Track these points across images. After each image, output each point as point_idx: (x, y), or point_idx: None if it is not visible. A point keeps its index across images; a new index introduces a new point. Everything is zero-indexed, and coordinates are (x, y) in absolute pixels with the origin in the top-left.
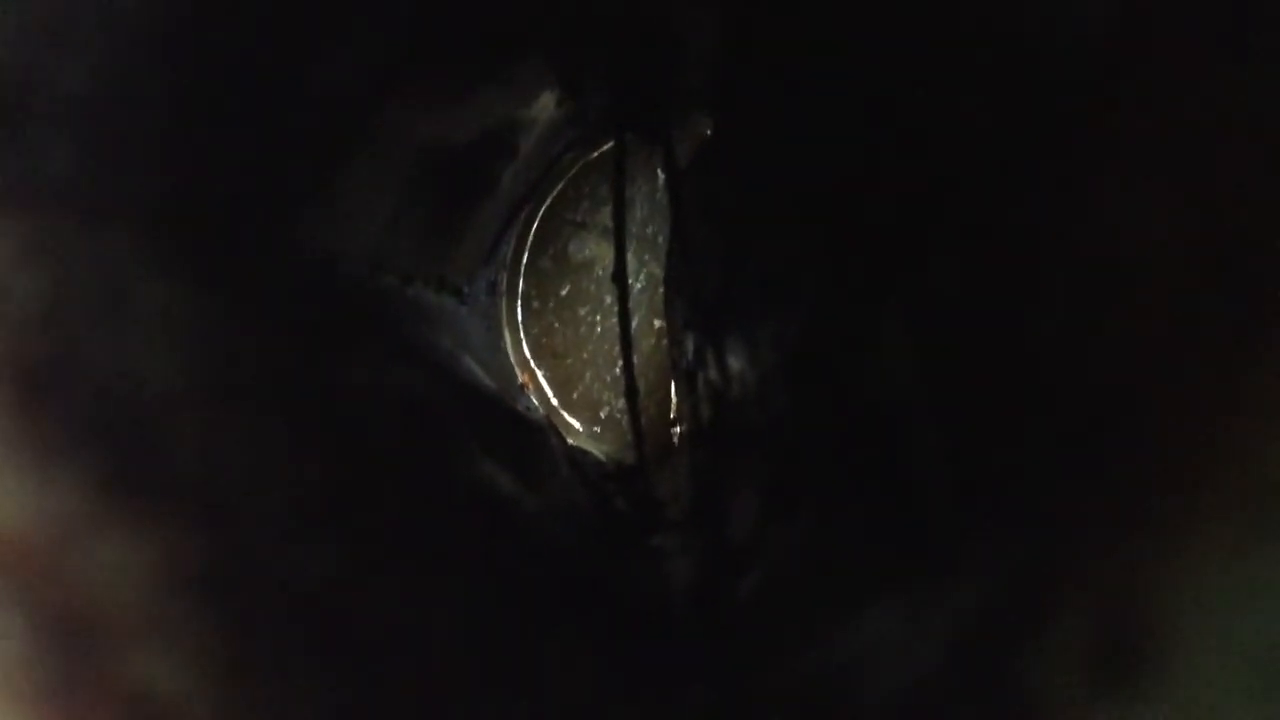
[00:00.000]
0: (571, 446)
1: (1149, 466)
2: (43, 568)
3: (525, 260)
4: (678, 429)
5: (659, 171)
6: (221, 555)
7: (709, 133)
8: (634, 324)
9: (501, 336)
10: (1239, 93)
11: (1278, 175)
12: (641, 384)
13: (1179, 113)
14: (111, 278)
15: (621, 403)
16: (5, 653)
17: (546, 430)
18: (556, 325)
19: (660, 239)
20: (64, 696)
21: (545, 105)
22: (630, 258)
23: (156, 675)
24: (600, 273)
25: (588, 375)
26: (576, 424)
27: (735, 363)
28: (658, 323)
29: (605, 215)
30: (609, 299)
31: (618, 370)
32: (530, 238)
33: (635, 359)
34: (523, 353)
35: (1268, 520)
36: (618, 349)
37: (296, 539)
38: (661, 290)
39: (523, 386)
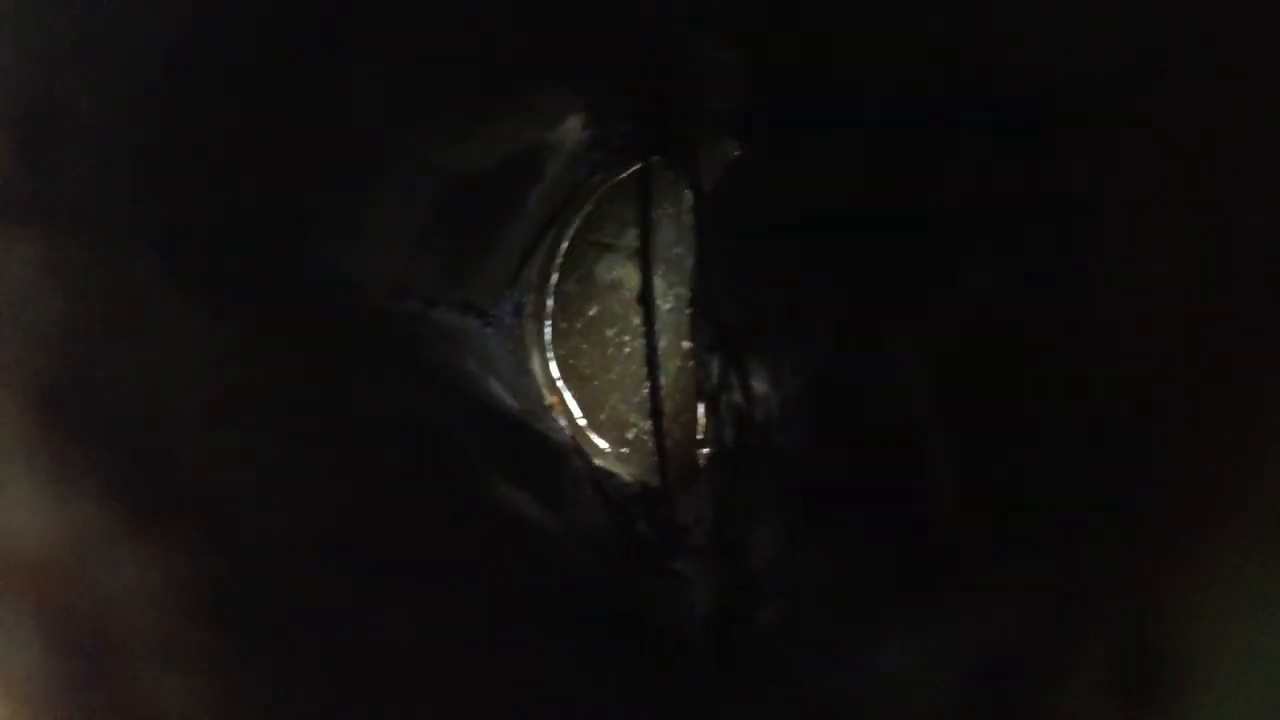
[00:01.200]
0: (596, 468)
1: (1164, 490)
2: (57, 585)
3: (553, 282)
4: (703, 451)
5: (685, 194)
6: (233, 575)
7: (735, 155)
8: (661, 346)
9: (528, 358)
10: (1245, 119)
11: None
12: (668, 406)
13: (1188, 138)
14: (129, 297)
15: (648, 424)
16: (20, 667)
17: (571, 452)
18: (584, 347)
19: (687, 261)
20: (75, 712)
21: (571, 129)
22: (658, 280)
23: (167, 693)
24: (628, 294)
25: (614, 397)
26: (603, 445)
27: (759, 386)
28: (686, 345)
29: (632, 237)
30: (636, 320)
31: (644, 392)
32: (557, 260)
33: (662, 381)
34: (550, 374)
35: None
36: (644, 370)
37: (309, 561)
38: (689, 312)
39: (550, 408)
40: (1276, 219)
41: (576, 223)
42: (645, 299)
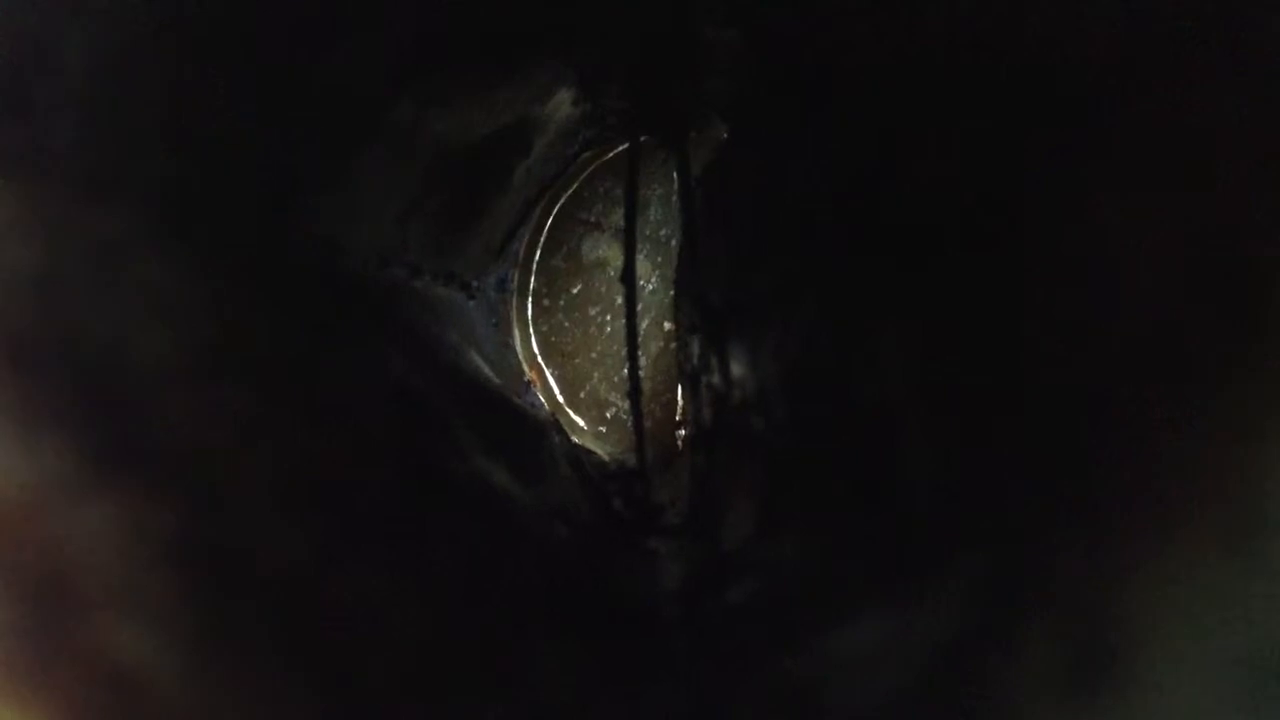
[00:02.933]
0: (574, 445)
1: (1123, 478)
2: (19, 532)
3: (537, 258)
4: (682, 433)
5: (674, 175)
6: (199, 529)
7: (724, 138)
8: (643, 326)
9: (510, 333)
10: (1235, 107)
11: (1271, 190)
12: (648, 386)
13: (1175, 127)
14: (107, 251)
15: (627, 404)
16: None
17: (549, 428)
18: (566, 324)
19: (673, 242)
20: (32, 659)
21: (561, 104)
22: (643, 260)
23: (126, 643)
24: (612, 273)
25: (595, 375)
26: (582, 423)
27: (738, 368)
28: (668, 325)
29: (619, 216)
30: (619, 300)
31: (625, 371)
32: (543, 236)
33: (643, 361)
34: (531, 350)
35: (1238, 530)
36: (625, 350)
37: (277, 518)
38: (672, 294)
39: (529, 383)
40: (1257, 221)
41: (563, 199)
42: (628, 278)
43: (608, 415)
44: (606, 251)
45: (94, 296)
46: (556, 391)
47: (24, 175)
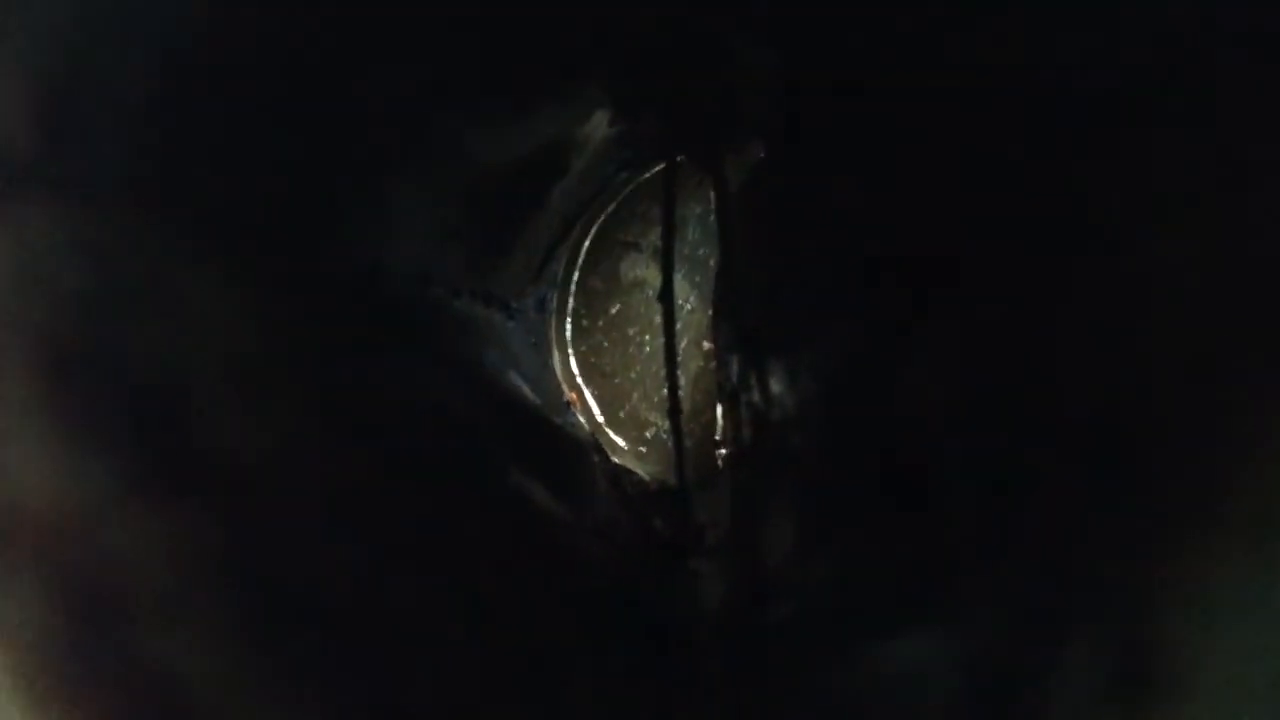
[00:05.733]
0: (614, 465)
1: (1162, 496)
2: (66, 543)
3: (576, 278)
4: (722, 452)
5: (711, 195)
6: (243, 544)
7: (760, 157)
8: (682, 345)
9: (549, 353)
10: (1256, 122)
11: None
12: (688, 405)
13: (1207, 149)
14: (154, 271)
15: (667, 423)
16: (25, 623)
17: (589, 448)
18: (605, 344)
19: (711, 262)
20: (78, 668)
21: (599, 124)
22: (681, 279)
23: (171, 653)
24: (651, 293)
25: (635, 395)
26: (622, 443)
27: (777, 386)
28: (707, 345)
29: (656, 236)
30: (658, 319)
31: (665, 391)
32: (581, 256)
33: (682, 380)
34: (570, 370)
35: (1264, 547)
36: (664, 370)
37: (320, 533)
38: (710, 313)
39: (569, 404)
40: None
41: (602, 219)
42: (666, 298)
43: (647, 435)
44: (645, 271)
45: (140, 316)
46: (596, 411)
47: (77, 196)
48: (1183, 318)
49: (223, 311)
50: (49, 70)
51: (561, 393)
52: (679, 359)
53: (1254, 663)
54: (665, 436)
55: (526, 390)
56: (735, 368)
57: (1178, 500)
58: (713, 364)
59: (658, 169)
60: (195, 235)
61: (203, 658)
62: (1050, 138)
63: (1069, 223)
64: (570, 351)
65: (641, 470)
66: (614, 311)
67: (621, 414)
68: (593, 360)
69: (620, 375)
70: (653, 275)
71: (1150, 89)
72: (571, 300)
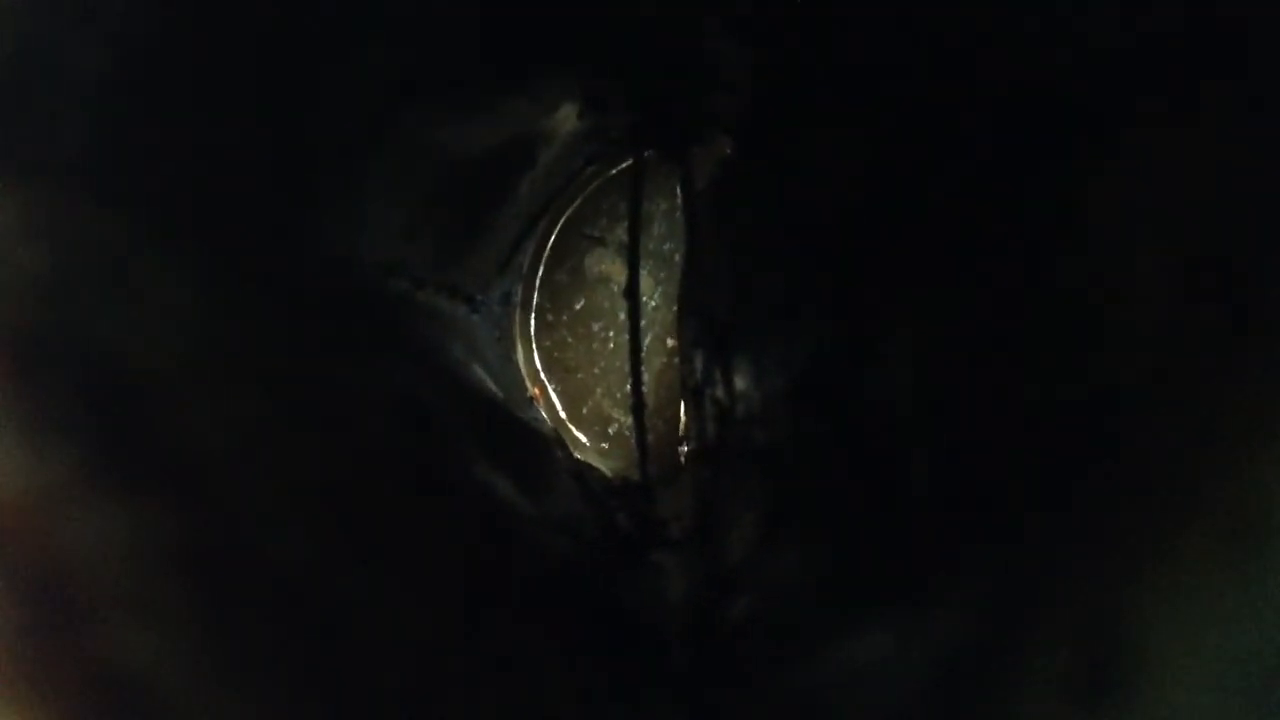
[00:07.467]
0: (577, 460)
1: (1126, 492)
2: (24, 535)
3: (541, 272)
4: (685, 448)
5: (678, 190)
6: (204, 536)
7: (728, 153)
8: (647, 341)
9: (513, 347)
10: (1237, 124)
11: (1270, 207)
12: (651, 401)
13: (1177, 141)
14: (114, 257)
15: (630, 419)
16: None
17: (552, 442)
18: (569, 339)
19: (677, 258)
20: (37, 663)
21: (567, 117)
22: (646, 275)
23: (131, 647)
24: (616, 289)
25: (598, 390)
26: (584, 439)
27: (741, 383)
28: (671, 341)
29: (623, 231)
30: (623, 315)
31: (628, 386)
32: (547, 250)
33: (646, 376)
34: (534, 364)
35: (1240, 543)
36: (628, 365)
37: (281, 526)
38: (676, 309)
39: (532, 398)
40: (1259, 225)
41: (568, 214)
42: (631, 293)
43: (610, 431)
44: (610, 266)
45: (100, 302)
46: (559, 406)
47: (32, 180)
48: (1154, 319)
49: (183, 301)
50: (14, 46)
51: (525, 387)
52: (643, 355)
53: (1227, 663)
54: (628, 432)
55: (490, 384)
56: (699, 364)
57: (1148, 497)
58: (677, 360)
59: (625, 164)
60: (155, 222)
61: (165, 651)
62: (1021, 139)
63: (1038, 222)
64: (534, 346)
65: (604, 466)
66: (579, 306)
67: (585, 409)
68: (556, 355)
69: (584, 370)
70: (618, 270)
71: (1130, 92)
72: (536, 294)
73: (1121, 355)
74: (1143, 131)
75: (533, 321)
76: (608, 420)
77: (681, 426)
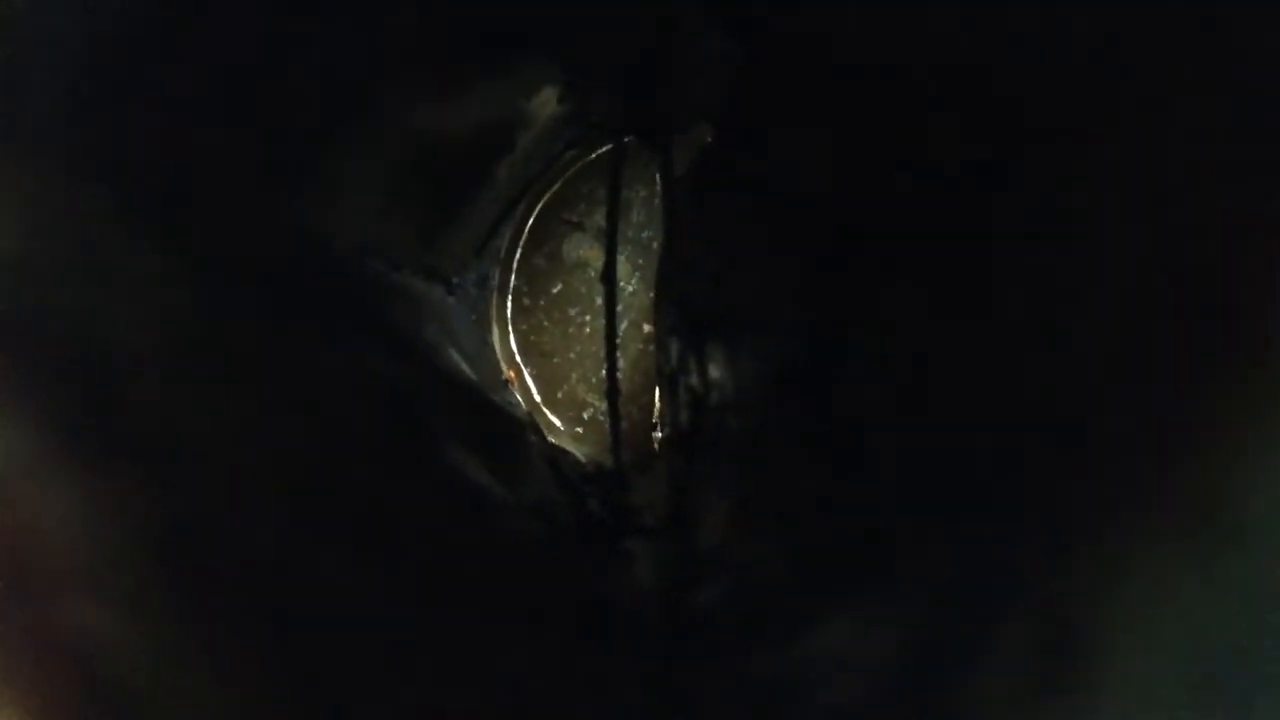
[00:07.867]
0: (551, 445)
1: (1089, 486)
2: None
3: (519, 256)
4: (659, 435)
5: (657, 177)
6: (171, 513)
7: (708, 141)
8: (623, 327)
9: (489, 330)
10: (1209, 118)
11: (1240, 200)
12: (626, 388)
13: (1149, 135)
14: (86, 232)
15: (605, 405)
16: None
17: (526, 427)
18: (545, 324)
19: (655, 244)
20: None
21: (546, 101)
22: (624, 261)
23: (94, 625)
24: (593, 274)
25: (573, 376)
26: (559, 423)
27: (716, 371)
28: (647, 328)
29: (601, 216)
30: (599, 300)
31: (603, 372)
32: (525, 234)
33: (621, 362)
34: (510, 348)
35: (1200, 536)
36: (604, 351)
37: (251, 507)
38: (652, 295)
39: (507, 382)
40: (1218, 230)
41: (546, 198)
42: (608, 279)
43: (585, 416)
44: (588, 252)
45: (70, 278)
46: (534, 391)
47: (3, 152)
48: (1120, 313)
49: (157, 279)
50: None
51: (500, 371)
52: (619, 341)
53: (1186, 657)
54: (602, 418)
55: (465, 367)
56: (675, 351)
57: (1110, 491)
58: (652, 347)
59: (605, 149)
60: (129, 198)
61: (129, 629)
62: (1002, 127)
63: (1013, 217)
64: (510, 329)
65: (578, 451)
66: (555, 291)
67: (559, 394)
68: (532, 339)
69: (559, 355)
70: (595, 256)
71: (1104, 89)
72: (513, 278)
73: (1086, 346)
74: (1109, 129)
75: (509, 305)
76: (582, 405)
77: (656, 413)
